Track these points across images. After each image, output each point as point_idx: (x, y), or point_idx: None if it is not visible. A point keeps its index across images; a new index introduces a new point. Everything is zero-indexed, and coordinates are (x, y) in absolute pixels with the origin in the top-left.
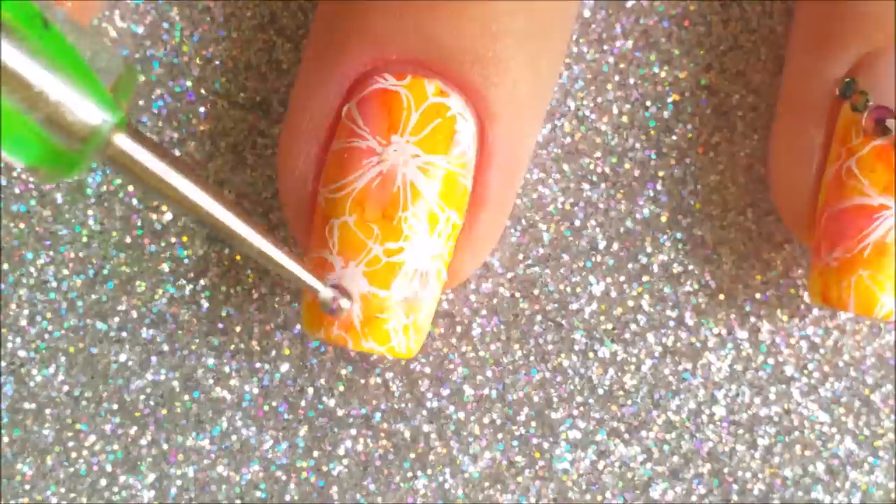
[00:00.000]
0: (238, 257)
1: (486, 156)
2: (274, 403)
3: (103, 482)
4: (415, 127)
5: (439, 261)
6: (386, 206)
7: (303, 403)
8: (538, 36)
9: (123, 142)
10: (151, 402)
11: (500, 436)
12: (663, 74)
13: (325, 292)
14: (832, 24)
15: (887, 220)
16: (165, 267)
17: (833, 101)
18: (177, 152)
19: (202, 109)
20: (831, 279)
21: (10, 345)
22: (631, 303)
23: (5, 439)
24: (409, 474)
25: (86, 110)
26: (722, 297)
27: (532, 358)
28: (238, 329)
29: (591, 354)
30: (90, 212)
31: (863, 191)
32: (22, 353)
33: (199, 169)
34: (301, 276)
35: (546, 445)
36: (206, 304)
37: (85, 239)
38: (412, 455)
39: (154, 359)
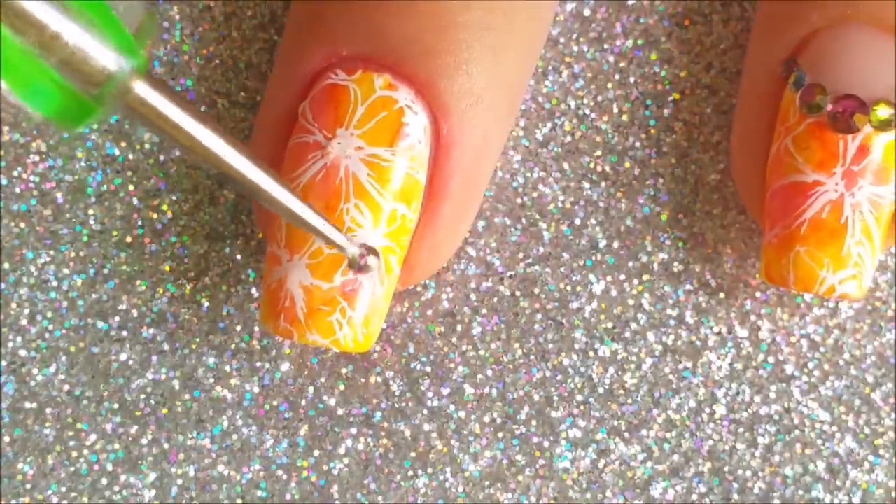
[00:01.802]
0: (239, 256)
1: (443, 149)
2: (275, 402)
3: (104, 481)
4: (360, 119)
5: (388, 254)
6: (329, 197)
7: (303, 402)
8: (499, 27)
9: (142, 89)
10: (152, 402)
11: (500, 435)
12: (664, 73)
13: (352, 249)
14: (777, 10)
15: (822, 196)
16: (166, 266)
17: (778, 83)
18: (177, 150)
19: (202, 108)
20: (772, 256)
21: (10, 344)
22: (631, 301)
23: (6, 439)
24: (410, 473)
25: (104, 55)
26: (722, 295)
27: (532, 357)
28: (238, 328)
29: (591, 353)
30: (91, 211)
31: (798, 168)
32: (23, 353)
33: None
34: (324, 230)
35: (546, 444)
36: (206, 304)
37: (85, 238)
38: (413, 454)
39: (155, 358)
